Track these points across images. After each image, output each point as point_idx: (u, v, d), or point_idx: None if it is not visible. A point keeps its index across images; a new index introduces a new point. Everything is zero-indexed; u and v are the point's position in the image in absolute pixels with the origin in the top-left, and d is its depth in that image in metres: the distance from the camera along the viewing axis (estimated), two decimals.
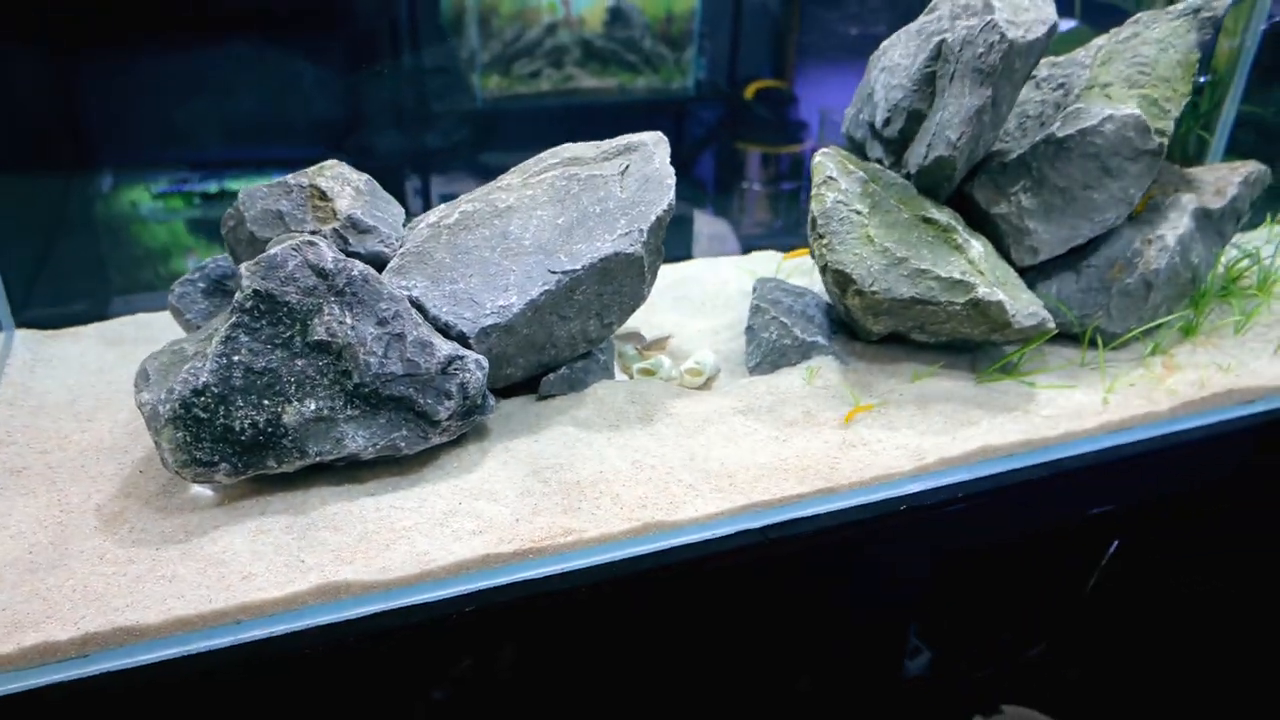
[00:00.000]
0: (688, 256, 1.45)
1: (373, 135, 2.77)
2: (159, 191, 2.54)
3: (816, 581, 1.03)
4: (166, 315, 1.19)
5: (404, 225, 1.03)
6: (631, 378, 1.09)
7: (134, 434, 0.98)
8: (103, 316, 1.21)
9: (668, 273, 1.37)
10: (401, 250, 0.98)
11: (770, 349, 1.08)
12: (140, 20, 2.12)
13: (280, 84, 2.57)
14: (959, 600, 1.20)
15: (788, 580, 1.00)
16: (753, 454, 1.00)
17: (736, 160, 2.61)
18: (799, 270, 1.35)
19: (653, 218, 0.96)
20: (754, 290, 1.13)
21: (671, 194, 0.97)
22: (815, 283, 1.28)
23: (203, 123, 2.58)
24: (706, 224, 2.15)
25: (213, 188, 2.58)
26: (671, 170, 0.98)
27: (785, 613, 1.03)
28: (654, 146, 1.01)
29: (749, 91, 3.05)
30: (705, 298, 1.28)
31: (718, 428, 1.02)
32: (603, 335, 1.02)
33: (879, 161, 1.08)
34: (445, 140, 2.82)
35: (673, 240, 0.99)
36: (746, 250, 1.45)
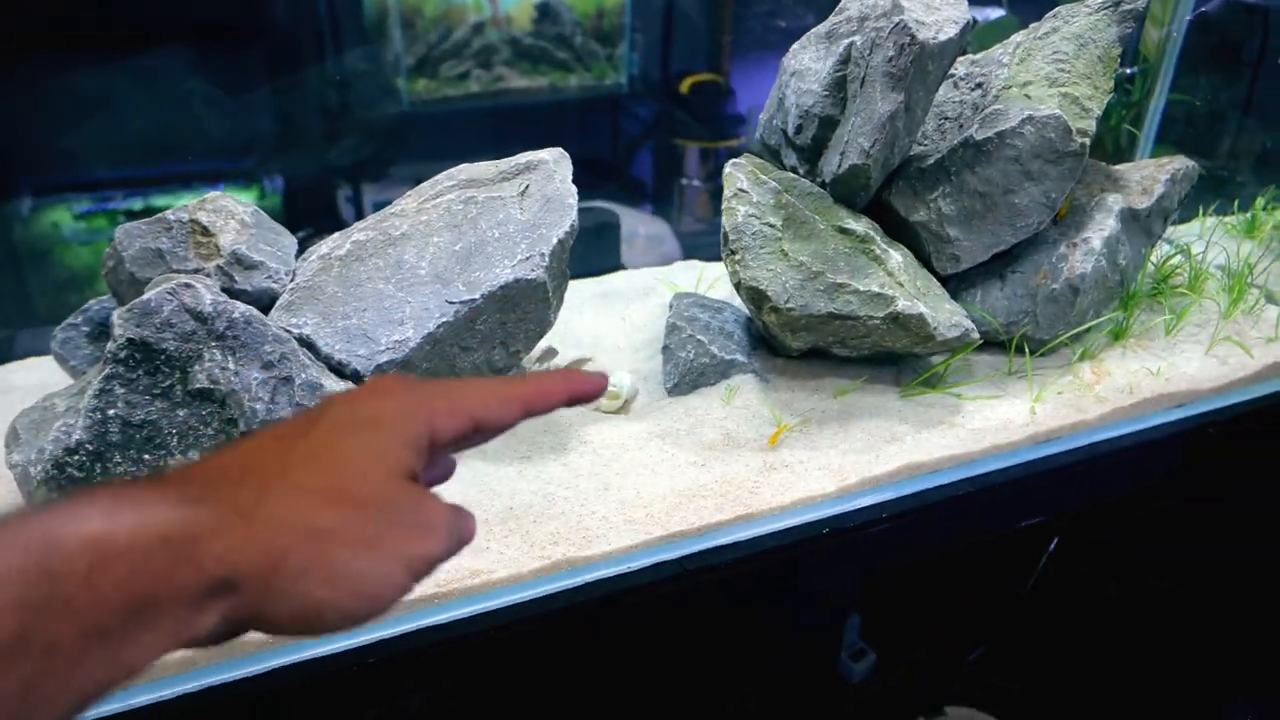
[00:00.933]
0: (619, 263, 1.43)
1: (298, 144, 2.72)
2: (81, 211, 2.48)
3: (742, 609, 1.02)
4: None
5: (296, 257, 1.00)
6: None
7: (15, 495, 0.95)
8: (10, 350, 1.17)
9: (590, 286, 1.35)
10: (291, 285, 0.95)
11: (688, 368, 1.07)
12: (56, 35, 2.07)
13: (202, 95, 2.52)
14: (895, 612, 1.20)
15: (711, 609, 0.99)
16: (670, 481, 0.98)
17: (674, 156, 2.59)
18: (726, 279, 1.33)
19: (554, 240, 0.94)
20: (670, 306, 1.11)
21: (574, 214, 0.95)
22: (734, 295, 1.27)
23: (123, 139, 2.52)
24: (644, 224, 2.13)
25: (138, 205, 2.52)
26: (573, 189, 0.96)
27: (712, 641, 1.02)
28: (554, 165, 0.98)
29: (684, 86, 3.03)
30: (626, 313, 1.26)
31: (634, 455, 1.01)
32: (510, 364, 1.00)
33: (794, 169, 1.06)
34: (374, 146, 2.78)
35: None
36: (687, 249, 1.43)
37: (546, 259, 0.94)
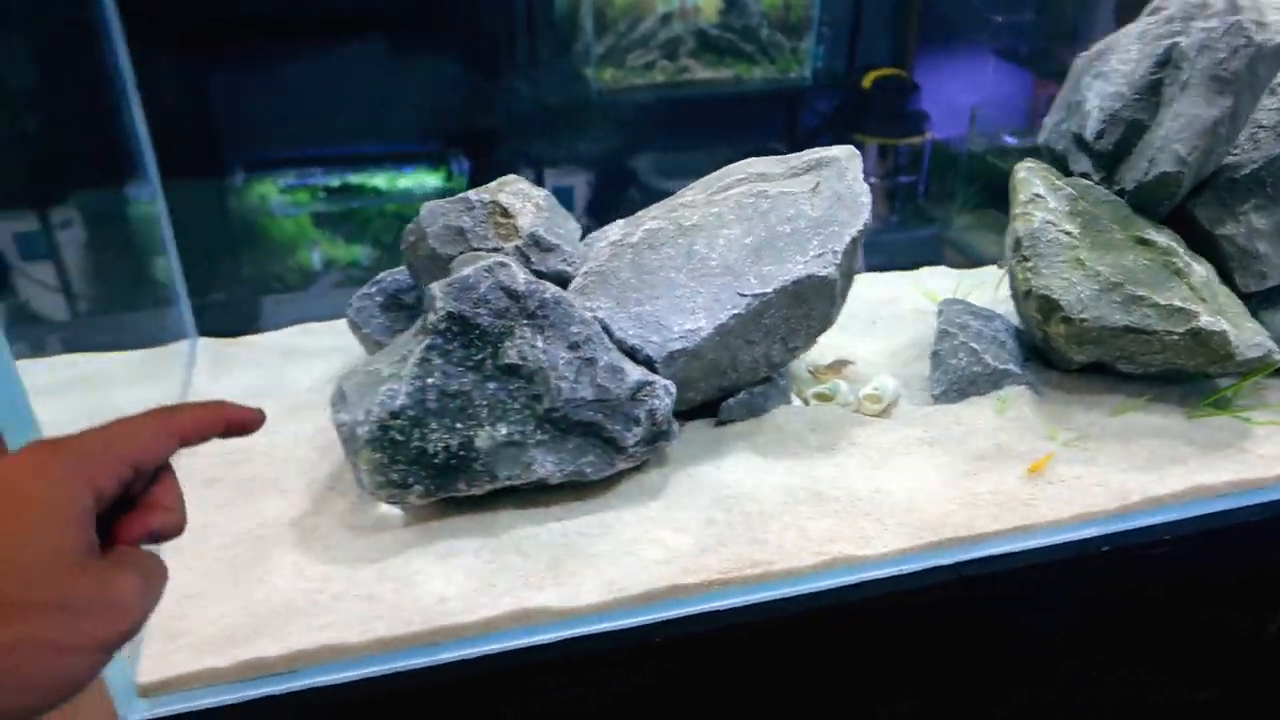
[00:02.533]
0: None
1: (486, 128, 2.84)
2: (285, 185, 2.67)
3: (1008, 620, 1.03)
4: (334, 325, 1.27)
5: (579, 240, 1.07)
6: (806, 403, 1.10)
7: (320, 449, 1.04)
8: (253, 314, 1.26)
9: None
10: (584, 270, 1.01)
11: (958, 376, 1.08)
12: (270, 20, 2.23)
13: (399, 80, 2.67)
14: (1159, 638, 1.18)
15: (978, 619, 1.01)
16: (943, 488, 1.00)
17: None
18: (981, 287, 1.33)
19: (847, 238, 0.97)
20: (939, 312, 1.13)
21: (867, 213, 0.97)
22: (997, 303, 1.27)
23: (324, 119, 2.70)
24: None
25: (335, 181, 2.70)
26: (866, 188, 0.99)
27: (972, 651, 1.03)
28: (846, 162, 1.01)
29: (867, 81, 3.01)
30: (875, 316, 1.28)
31: (903, 459, 1.03)
32: (786, 360, 1.04)
33: (1085, 176, 1.06)
34: (561, 133, 2.88)
35: None
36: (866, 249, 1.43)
37: (839, 256, 0.97)
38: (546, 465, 0.92)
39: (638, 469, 1.00)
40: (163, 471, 0.48)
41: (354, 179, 2.68)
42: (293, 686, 0.82)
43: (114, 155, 1.10)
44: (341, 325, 1.26)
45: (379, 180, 2.67)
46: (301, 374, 1.18)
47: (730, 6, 2.90)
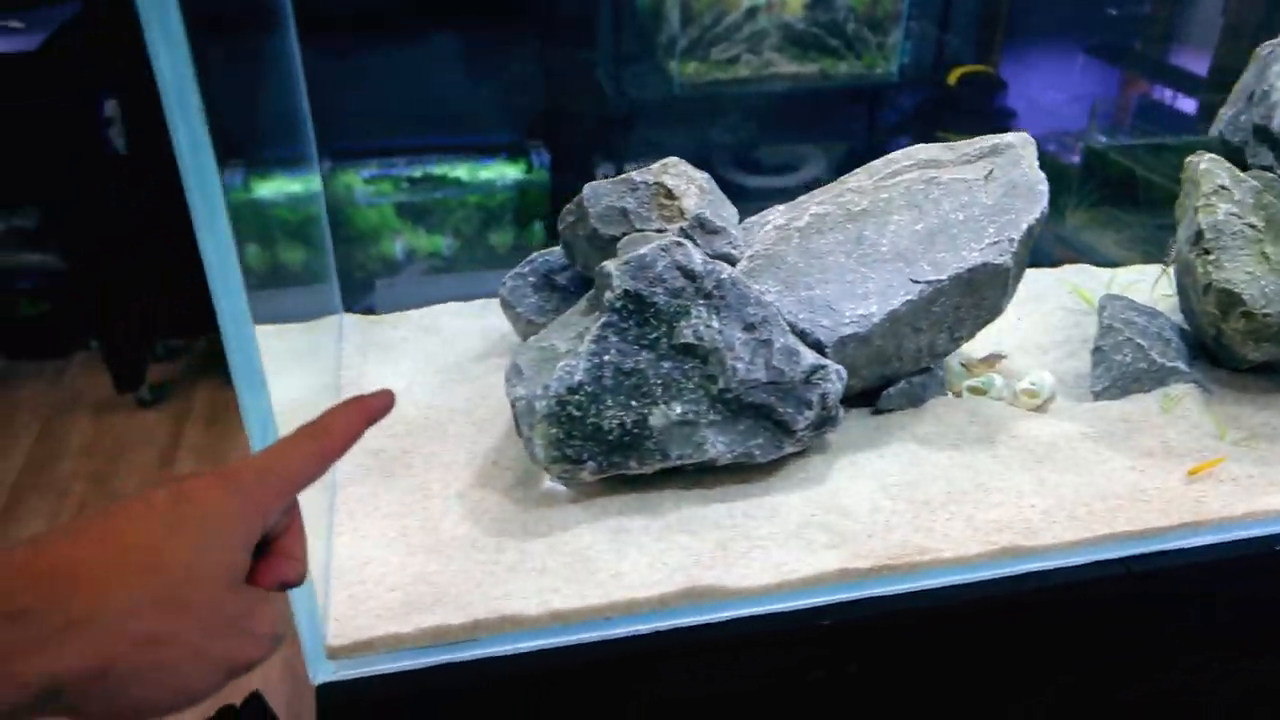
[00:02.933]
0: None
1: (568, 122, 2.86)
2: (368, 175, 2.71)
3: (1172, 616, 1.02)
4: (475, 305, 1.29)
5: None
6: (960, 395, 1.10)
7: (477, 423, 1.06)
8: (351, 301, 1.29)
9: None
10: (749, 253, 1.01)
11: (1122, 373, 1.07)
12: (354, 12, 2.27)
13: (481, 73, 2.70)
14: None
15: (1144, 614, 1.00)
16: (1108, 483, 0.99)
17: None
18: (1137, 284, 1.31)
19: (1024, 227, 0.96)
20: (1102, 308, 1.12)
21: (1045, 201, 0.97)
22: (1154, 301, 1.25)
23: (409, 110, 2.73)
24: None
25: (417, 172, 2.74)
26: (1042, 176, 0.98)
27: (1133, 646, 1.02)
28: (1021, 149, 1.00)
29: (953, 77, 2.99)
30: (1020, 312, 1.27)
31: (1067, 454, 1.02)
32: (949, 350, 1.03)
33: (1267, 169, 1.04)
34: (642, 127, 2.89)
35: None
36: None
37: (1015, 244, 0.96)
38: (717, 446, 0.93)
39: (801, 454, 1.00)
40: (291, 515, 0.50)
41: (436, 170, 2.72)
42: (473, 655, 0.84)
43: (294, 141, 1.14)
44: (480, 306, 1.29)
45: (460, 172, 2.71)
46: (446, 350, 1.19)
47: (817, 1, 2.89)
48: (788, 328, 0.94)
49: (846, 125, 2.96)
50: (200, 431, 2.75)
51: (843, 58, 2.93)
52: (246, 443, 0.71)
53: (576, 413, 0.89)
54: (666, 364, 0.91)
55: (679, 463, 0.93)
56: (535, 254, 1.12)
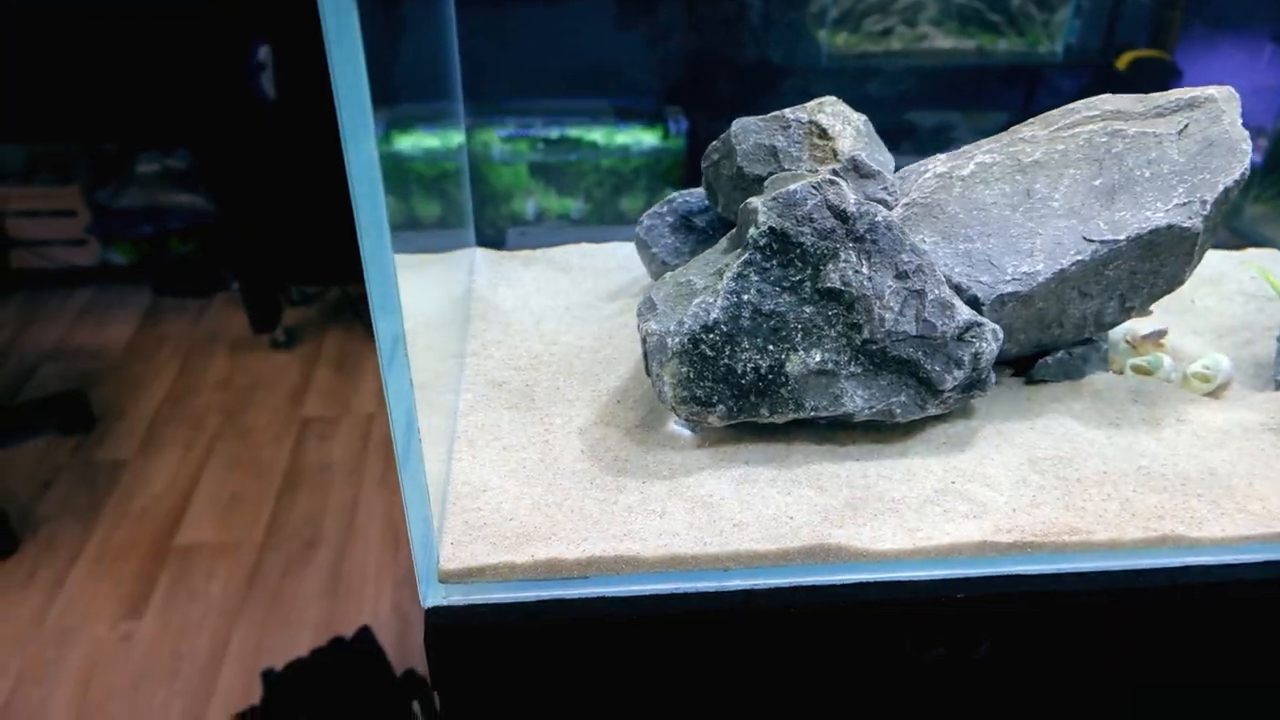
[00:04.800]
0: None
1: (711, 89, 2.81)
2: (506, 135, 2.73)
3: None
4: (608, 248, 1.27)
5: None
6: (1121, 373, 1.01)
7: (603, 362, 1.03)
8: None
9: None
10: (905, 201, 0.95)
11: None
12: None
13: (622, 36, 2.68)
14: None
15: None
16: None
17: None
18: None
19: (1220, 188, 0.87)
20: None
21: (1246, 162, 0.87)
22: None
23: (549, 73, 2.74)
24: None
25: (554, 134, 2.74)
26: (1245, 134, 0.89)
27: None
28: (1224, 104, 0.91)
29: (1122, 62, 2.80)
30: (1194, 293, 1.17)
31: (1243, 444, 0.93)
32: (1117, 321, 0.95)
33: None
34: (786, 97, 2.83)
35: None
36: None
37: (1208, 207, 0.87)
38: (856, 400, 0.88)
39: (942, 418, 0.94)
40: None
41: (571, 133, 2.72)
42: (585, 593, 0.82)
43: (443, 95, 1.15)
44: (613, 248, 1.27)
45: (596, 135, 2.70)
46: (575, 288, 1.17)
47: None
48: (943, 279, 0.88)
49: (1001, 105, 2.83)
50: (329, 374, 2.84)
51: (1003, 34, 2.79)
52: (371, 386, 0.70)
53: (710, 353, 0.86)
54: (808, 309, 0.87)
55: (813, 414, 0.88)
56: (674, 194, 1.09)
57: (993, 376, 0.90)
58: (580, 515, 0.84)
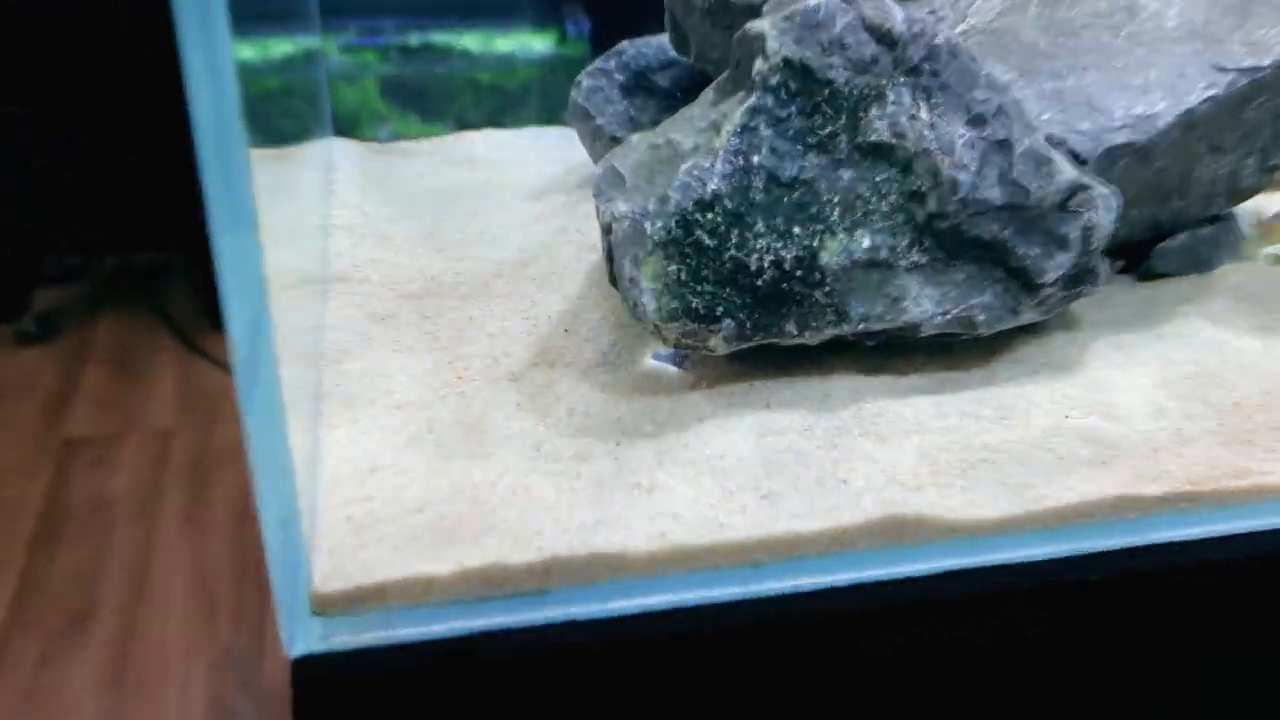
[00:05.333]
0: None
1: None
2: (346, 45, 2.53)
3: None
4: (526, 133, 1.15)
5: None
6: (1255, 262, 0.92)
7: (535, 280, 0.89)
8: None
9: None
10: (961, 28, 0.83)
11: None
12: None
13: None
14: None
15: None
16: None
17: None
18: None
19: None
20: None
21: None
22: None
23: None
24: None
25: (412, 40, 2.54)
26: None
27: None
28: None
29: None
30: None
31: None
32: (1256, 186, 0.86)
33: None
34: None
35: None
36: None
37: None
38: (923, 303, 0.74)
39: (1035, 331, 0.81)
40: None
41: (436, 39, 2.54)
42: (545, 617, 0.66)
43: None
44: (533, 133, 1.16)
45: (469, 41, 2.53)
46: (483, 186, 1.05)
47: None
48: (1034, 123, 0.74)
49: None
50: (103, 378, 2.58)
51: None
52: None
53: (709, 241, 0.71)
54: (847, 173, 0.73)
55: (862, 328, 0.74)
56: (626, 43, 0.95)
57: (1105, 267, 0.78)
58: (527, 498, 0.68)
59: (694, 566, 0.67)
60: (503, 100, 2.50)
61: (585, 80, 0.94)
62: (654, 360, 0.79)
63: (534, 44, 2.50)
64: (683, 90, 0.94)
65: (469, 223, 0.97)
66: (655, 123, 0.94)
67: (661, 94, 0.94)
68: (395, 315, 0.85)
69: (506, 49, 2.48)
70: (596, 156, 0.97)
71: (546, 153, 1.09)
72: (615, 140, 0.93)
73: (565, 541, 0.65)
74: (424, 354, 0.81)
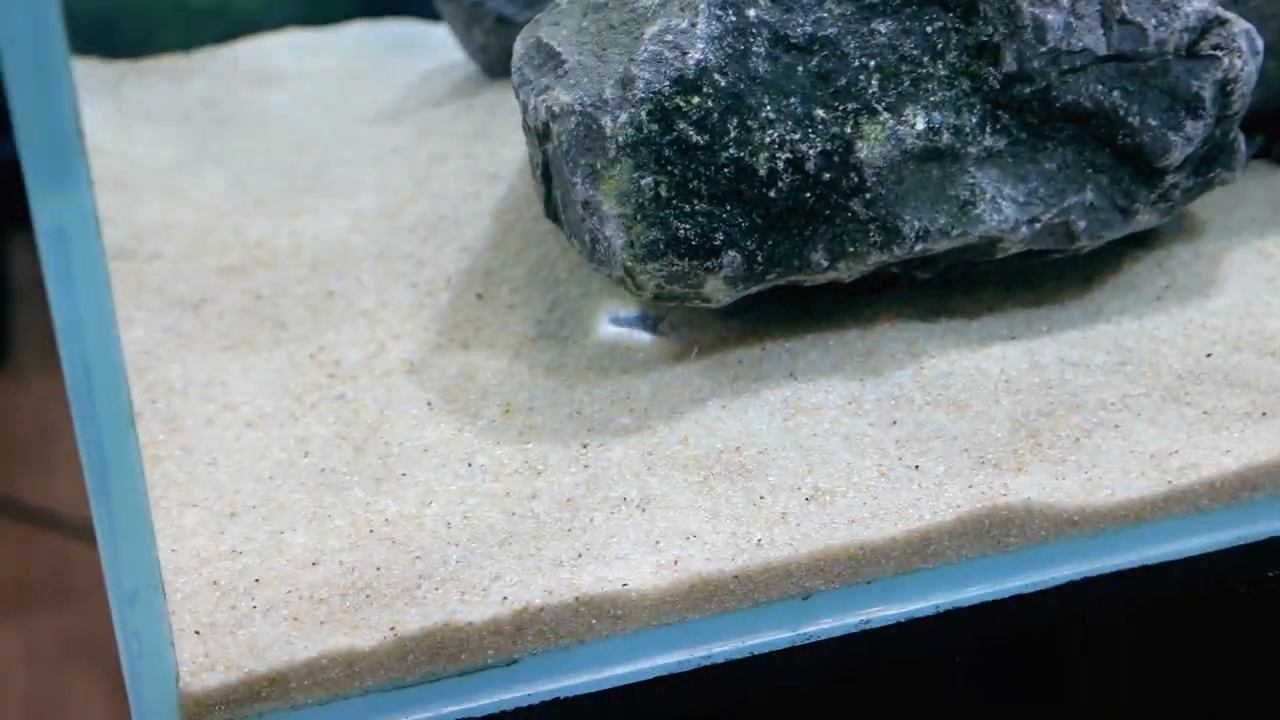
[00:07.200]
0: None
1: None
2: None
3: None
4: (355, 30, 1.24)
5: None
6: None
7: (416, 232, 1.00)
8: None
9: None
10: None
11: None
12: None
13: None
14: None
15: None
16: None
17: None
18: None
19: None
20: None
21: None
22: None
23: None
24: None
25: None
26: None
27: None
28: None
29: None
30: None
31: None
32: None
33: None
34: None
35: None
36: None
37: None
38: (1003, 207, 0.83)
39: (1144, 243, 0.93)
40: None
41: None
42: (518, 697, 0.76)
43: None
44: (372, 31, 1.25)
45: None
46: (310, 109, 1.15)
47: None
48: None
49: None
50: None
51: None
52: None
53: (697, 137, 0.80)
54: (884, 24, 0.83)
55: (920, 249, 0.83)
56: None
57: (1245, 144, 0.89)
58: (469, 531, 0.76)
59: (724, 605, 0.74)
60: None
61: None
62: (615, 325, 0.88)
63: None
64: None
65: (296, 162, 1.05)
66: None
67: None
68: (214, 299, 0.93)
69: None
70: (477, 50, 1.04)
71: (388, 56, 1.17)
72: (505, 22, 1.01)
73: (539, 585, 0.73)
74: (270, 348, 0.89)
